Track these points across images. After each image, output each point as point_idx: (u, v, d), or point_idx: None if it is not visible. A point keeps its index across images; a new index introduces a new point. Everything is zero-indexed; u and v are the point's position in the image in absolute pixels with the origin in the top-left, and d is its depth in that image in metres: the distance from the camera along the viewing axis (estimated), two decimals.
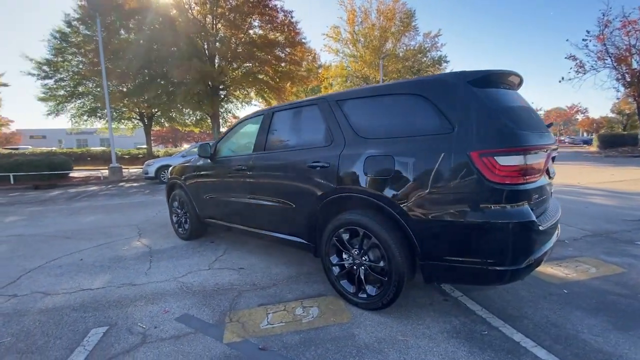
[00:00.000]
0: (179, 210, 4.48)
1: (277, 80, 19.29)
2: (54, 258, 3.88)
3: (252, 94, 21.54)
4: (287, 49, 18.88)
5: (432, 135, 2.07)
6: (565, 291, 2.63)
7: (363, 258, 2.38)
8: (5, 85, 26.59)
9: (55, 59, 19.61)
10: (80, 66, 19.40)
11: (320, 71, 27.16)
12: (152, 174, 13.05)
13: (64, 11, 20.77)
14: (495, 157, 1.85)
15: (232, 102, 22.85)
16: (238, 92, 20.89)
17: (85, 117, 21.73)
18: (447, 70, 29.75)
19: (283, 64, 19.30)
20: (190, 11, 17.17)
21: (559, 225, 2.50)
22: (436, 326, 2.19)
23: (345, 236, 2.46)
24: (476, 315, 2.30)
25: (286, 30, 18.71)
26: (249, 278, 3.09)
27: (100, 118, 21.91)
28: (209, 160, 3.87)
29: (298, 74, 19.91)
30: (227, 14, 17.16)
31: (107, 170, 15.84)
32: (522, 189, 1.90)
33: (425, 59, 27.33)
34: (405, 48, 27.12)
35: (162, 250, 4.08)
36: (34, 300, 2.78)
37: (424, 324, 2.21)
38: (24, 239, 4.85)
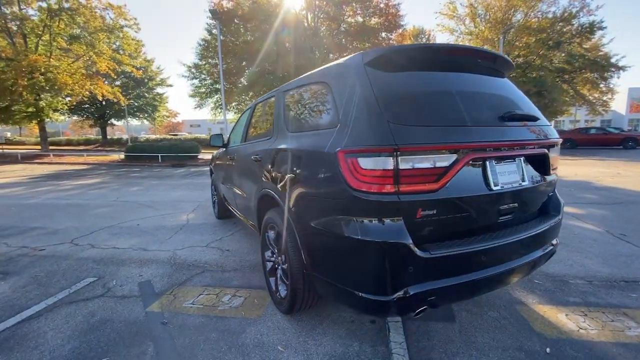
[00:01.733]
0: (213, 192, 5.15)
1: None
2: (124, 221, 5.06)
3: None
4: (384, 33, 18.14)
5: (324, 129, 1.79)
6: (548, 350, 1.86)
7: (279, 258, 2.28)
8: (170, 85, 34.73)
9: (200, 63, 24.49)
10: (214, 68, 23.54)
11: None
12: None
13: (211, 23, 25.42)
14: (357, 158, 1.48)
15: None
16: None
17: (219, 109, 26.49)
18: (602, 42, 22.88)
19: None
20: (294, 9, 18.43)
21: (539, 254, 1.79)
22: (329, 347, 1.93)
23: (271, 233, 2.39)
24: (386, 348, 1.91)
25: (386, 13, 17.94)
26: (223, 260, 3.35)
27: (228, 110, 26.33)
28: (224, 149, 4.28)
29: None
30: (324, 6, 17.65)
31: None
32: (389, 200, 1.46)
33: (568, 27, 21.55)
34: (541, 16, 22.03)
35: (193, 225, 4.77)
36: (81, 249, 3.76)
37: (319, 342, 1.98)
38: (124, 205, 6.43)
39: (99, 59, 19.92)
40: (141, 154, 18.13)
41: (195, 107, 28.27)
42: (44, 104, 19.65)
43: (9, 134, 50.23)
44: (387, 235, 1.44)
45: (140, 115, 37.13)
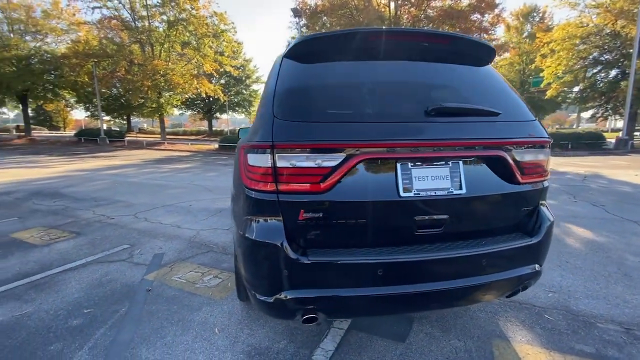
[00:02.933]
0: None
1: None
2: (182, 201, 5.89)
3: None
4: (476, 15, 16.17)
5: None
6: None
7: None
8: (264, 82, 38.04)
9: None
10: None
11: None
12: None
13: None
14: (247, 154, 1.45)
15: None
16: None
17: None
18: None
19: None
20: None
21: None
22: (258, 339, 1.97)
23: None
24: (309, 353, 1.84)
25: None
26: (230, 244, 3.63)
27: None
28: None
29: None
30: None
31: None
32: (269, 199, 1.39)
33: None
34: None
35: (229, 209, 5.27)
36: (136, 221, 4.56)
37: (253, 332, 2.03)
38: (193, 187, 7.44)
39: (204, 60, 23.18)
40: (233, 144, 20.53)
41: None
42: (163, 101, 23.94)
43: (144, 125, 62.79)
44: (263, 235, 1.39)
45: (239, 110, 41.81)
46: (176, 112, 35.62)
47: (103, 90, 24.22)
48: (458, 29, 16.30)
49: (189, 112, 45.30)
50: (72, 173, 9.70)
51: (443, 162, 1.44)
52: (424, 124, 1.42)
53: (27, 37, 26.11)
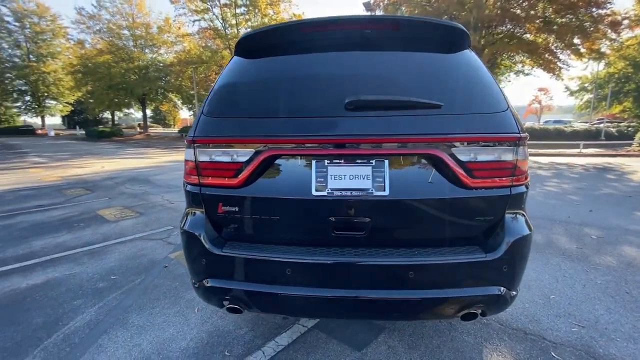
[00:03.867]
0: None
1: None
2: None
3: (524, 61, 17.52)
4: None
5: None
6: None
7: None
8: None
9: None
10: None
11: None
12: None
13: None
14: (185, 149, 1.56)
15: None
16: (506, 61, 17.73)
17: None
18: None
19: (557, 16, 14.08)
20: None
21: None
22: (224, 321, 2.09)
23: None
24: (261, 343, 1.88)
25: None
26: None
27: None
28: None
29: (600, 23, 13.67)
30: None
31: None
32: (194, 191, 1.48)
33: None
34: None
35: None
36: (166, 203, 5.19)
37: (224, 317, 2.17)
38: None
39: None
40: None
41: None
42: None
43: None
44: (189, 225, 1.49)
45: None
46: None
47: (202, 92, 27.94)
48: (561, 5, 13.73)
49: None
50: (165, 164, 11.48)
51: (365, 161, 1.31)
52: (343, 119, 1.31)
53: (147, 50, 31.67)
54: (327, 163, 1.33)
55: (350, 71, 1.45)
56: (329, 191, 1.31)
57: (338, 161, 1.33)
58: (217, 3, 24.60)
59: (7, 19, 33.81)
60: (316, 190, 1.31)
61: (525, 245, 1.36)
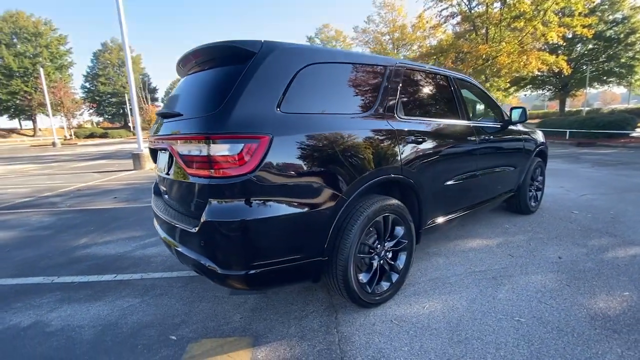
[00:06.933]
0: None
1: None
2: None
3: None
4: None
5: None
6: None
7: None
8: None
9: None
10: None
11: None
12: None
13: None
14: None
15: None
16: None
17: None
18: None
19: None
20: None
21: None
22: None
23: None
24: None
25: None
26: None
27: None
28: None
29: None
30: None
31: None
32: None
33: None
34: None
35: None
36: None
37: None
38: None
39: (548, 29, 19.50)
40: (548, 129, 16.60)
41: None
42: (487, 85, 23.29)
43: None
44: None
45: (611, 81, 30.60)
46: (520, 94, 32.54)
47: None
48: None
49: (531, 93, 39.18)
50: None
51: (163, 151, 1.99)
52: (164, 124, 1.99)
53: (402, 50, 35.15)
54: (160, 153, 2.13)
55: (185, 90, 2.05)
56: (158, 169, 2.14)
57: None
58: None
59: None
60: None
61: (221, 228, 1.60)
